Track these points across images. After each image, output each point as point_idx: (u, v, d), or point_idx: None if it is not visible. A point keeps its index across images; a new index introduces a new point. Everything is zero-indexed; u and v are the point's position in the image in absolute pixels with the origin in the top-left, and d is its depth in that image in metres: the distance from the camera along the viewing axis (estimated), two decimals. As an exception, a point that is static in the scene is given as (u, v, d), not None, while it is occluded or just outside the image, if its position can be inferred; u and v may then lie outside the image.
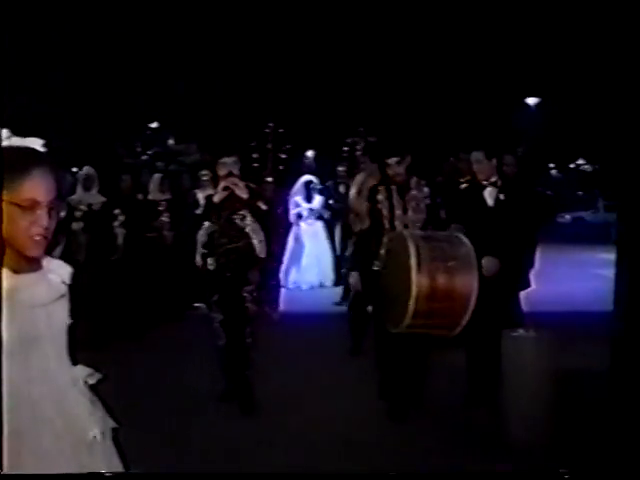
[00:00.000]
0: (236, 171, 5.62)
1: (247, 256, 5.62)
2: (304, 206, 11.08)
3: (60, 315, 2.22)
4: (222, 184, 5.58)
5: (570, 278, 11.62)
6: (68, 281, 2.25)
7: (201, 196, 5.76)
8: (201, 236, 5.77)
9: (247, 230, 5.58)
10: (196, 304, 8.55)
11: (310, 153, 35.70)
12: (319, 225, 11.07)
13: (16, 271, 2.08)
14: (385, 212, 5.51)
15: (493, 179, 5.63)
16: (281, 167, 28.76)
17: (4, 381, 1.97)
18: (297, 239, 11.19)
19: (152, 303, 8.18)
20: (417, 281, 4.57)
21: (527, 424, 4.62)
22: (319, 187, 11.17)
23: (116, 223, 8.13)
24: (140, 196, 8.98)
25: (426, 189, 5.60)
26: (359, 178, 7.73)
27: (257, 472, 4.12)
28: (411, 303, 4.58)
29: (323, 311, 9.36)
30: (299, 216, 11.13)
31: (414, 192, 5.55)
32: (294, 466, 4.27)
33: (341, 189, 8.49)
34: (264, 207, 5.68)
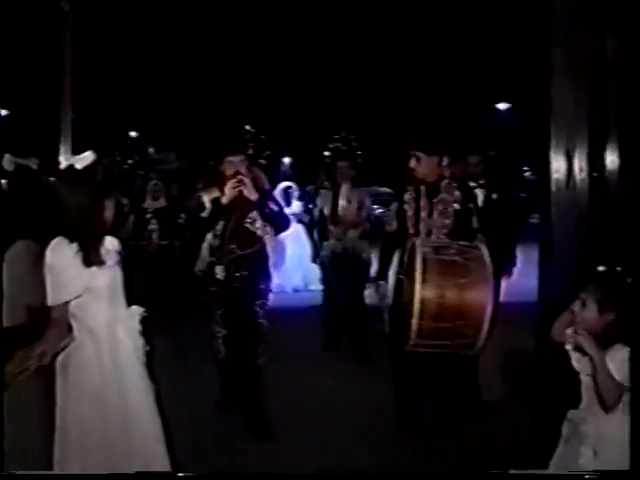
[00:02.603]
0: (244, 170, 5.08)
1: (260, 264, 5.15)
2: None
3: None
4: (230, 184, 4.99)
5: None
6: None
7: (207, 199, 5.06)
8: (208, 242, 5.23)
9: (259, 234, 5.13)
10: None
11: (287, 160, 36.32)
12: (300, 228, 11.34)
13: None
14: (410, 214, 5.10)
15: (481, 181, 5.70)
16: (263, 174, 28.91)
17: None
18: (278, 243, 11.35)
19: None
20: (420, 298, 4.22)
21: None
22: (298, 192, 11.57)
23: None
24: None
25: (457, 193, 5.12)
26: (345, 188, 7.25)
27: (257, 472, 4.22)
28: (414, 322, 4.24)
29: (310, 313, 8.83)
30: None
31: (443, 195, 5.10)
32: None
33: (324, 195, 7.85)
34: (276, 208, 5.20)
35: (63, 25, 4.06)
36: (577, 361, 3.07)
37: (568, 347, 3.11)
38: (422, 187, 5.09)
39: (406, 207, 5.11)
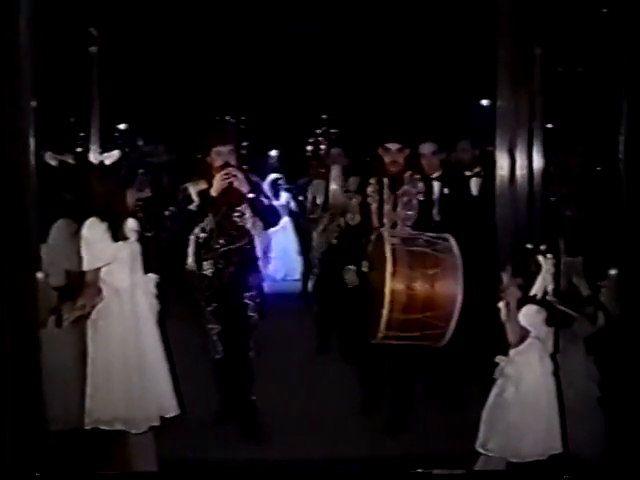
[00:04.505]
0: (233, 161, 4.94)
1: (249, 258, 5.05)
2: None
3: None
4: (219, 176, 4.81)
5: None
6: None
7: (193, 191, 4.86)
8: (195, 236, 5.03)
9: (248, 227, 5.01)
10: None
11: (274, 152, 36.66)
12: (286, 220, 11.08)
13: None
14: (374, 207, 5.07)
15: (477, 169, 5.83)
16: (245, 166, 29.41)
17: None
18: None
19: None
20: (391, 290, 4.21)
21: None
22: (285, 185, 11.99)
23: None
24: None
25: (420, 184, 5.11)
26: (336, 172, 6.95)
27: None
28: (384, 313, 4.23)
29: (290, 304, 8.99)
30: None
31: (407, 187, 5.08)
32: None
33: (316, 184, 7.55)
34: (266, 201, 5.10)
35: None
36: (504, 316, 3.91)
37: (500, 305, 3.94)
38: (385, 179, 5.08)
39: (369, 200, 5.09)
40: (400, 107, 11.90)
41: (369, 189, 5.12)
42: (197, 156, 7.31)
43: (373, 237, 4.80)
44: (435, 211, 5.19)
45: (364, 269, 4.92)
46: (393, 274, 4.24)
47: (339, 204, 6.67)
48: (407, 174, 5.11)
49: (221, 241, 4.94)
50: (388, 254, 4.28)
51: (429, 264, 4.31)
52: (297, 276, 10.96)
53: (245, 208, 4.96)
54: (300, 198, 10.71)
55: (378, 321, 4.28)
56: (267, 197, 5.26)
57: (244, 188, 4.87)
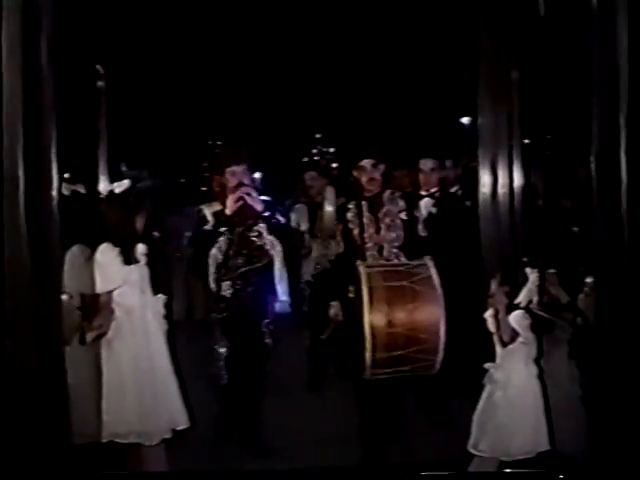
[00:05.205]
0: (247, 181, 4.93)
1: (267, 279, 5.01)
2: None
3: None
4: (233, 195, 4.82)
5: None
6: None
7: (208, 212, 4.86)
8: (213, 256, 4.93)
9: (267, 248, 4.93)
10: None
11: (257, 175, 36.95)
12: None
13: None
14: (356, 232, 4.81)
15: (458, 185, 6.07)
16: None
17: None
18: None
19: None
20: (371, 330, 4.12)
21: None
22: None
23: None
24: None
25: (401, 202, 4.88)
26: (331, 193, 6.12)
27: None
28: (367, 355, 4.14)
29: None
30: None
31: (388, 207, 4.84)
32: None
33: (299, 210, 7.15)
34: (282, 220, 5.06)
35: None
36: (490, 324, 4.19)
37: (487, 314, 4.22)
38: (363, 202, 4.86)
39: (350, 225, 4.85)
40: (385, 127, 12.22)
41: (348, 214, 4.88)
42: (206, 175, 7.35)
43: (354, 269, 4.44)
44: (421, 227, 4.94)
45: (350, 295, 4.57)
46: (371, 313, 4.15)
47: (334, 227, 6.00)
48: (386, 193, 4.90)
49: (240, 261, 4.89)
50: (365, 292, 4.19)
51: (408, 299, 4.22)
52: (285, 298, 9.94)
53: (262, 227, 4.94)
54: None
55: (364, 361, 4.19)
56: (284, 216, 5.20)
57: (258, 207, 4.88)
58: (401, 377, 4.47)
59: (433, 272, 4.31)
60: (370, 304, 4.16)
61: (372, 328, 4.13)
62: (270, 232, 4.93)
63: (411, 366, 4.25)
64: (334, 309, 4.90)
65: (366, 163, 4.84)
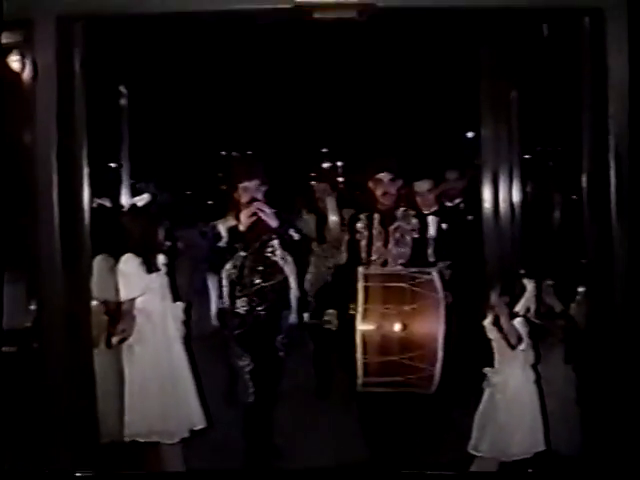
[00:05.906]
0: (261, 196, 4.84)
1: (283, 296, 4.93)
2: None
3: None
4: (247, 211, 4.75)
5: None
6: None
7: (223, 228, 4.79)
8: (228, 273, 4.85)
9: (281, 265, 4.87)
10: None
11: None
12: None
13: None
14: (363, 244, 4.80)
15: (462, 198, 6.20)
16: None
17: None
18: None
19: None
20: (362, 330, 4.00)
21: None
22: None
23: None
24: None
25: (415, 221, 4.84)
26: (332, 202, 6.54)
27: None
28: (358, 357, 3.99)
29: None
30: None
31: (399, 223, 4.81)
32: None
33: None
34: (297, 236, 4.88)
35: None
36: (490, 331, 4.43)
37: (486, 322, 4.45)
38: (376, 215, 4.84)
39: (358, 236, 4.85)
40: (392, 141, 12.45)
41: (358, 225, 4.87)
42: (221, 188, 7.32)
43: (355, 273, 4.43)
44: (430, 251, 4.86)
45: (352, 312, 4.35)
46: (364, 311, 4.02)
47: (336, 237, 6.24)
48: (400, 210, 4.87)
49: (255, 278, 4.83)
50: (360, 291, 4.11)
51: (406, 300, 4.09)
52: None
53: (277, 244, 4.86)
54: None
55: (356, 367, 4.06)
56: (298, 232, 4.98)
57: (273, 223, 4.78)
58: (397, 393, 4.30)
59: (436, 277, 4.28)
60: (364, 302, 4.07)
61: (364, 327, 4.02)
62: (283, 247, 4.86)
63: (406, 377, 4.08)
64: (329, 317, 4.86)
65: (384, 176, 4.82)
